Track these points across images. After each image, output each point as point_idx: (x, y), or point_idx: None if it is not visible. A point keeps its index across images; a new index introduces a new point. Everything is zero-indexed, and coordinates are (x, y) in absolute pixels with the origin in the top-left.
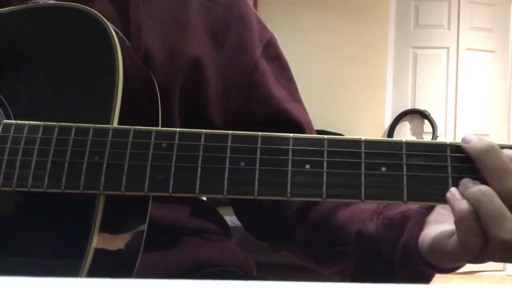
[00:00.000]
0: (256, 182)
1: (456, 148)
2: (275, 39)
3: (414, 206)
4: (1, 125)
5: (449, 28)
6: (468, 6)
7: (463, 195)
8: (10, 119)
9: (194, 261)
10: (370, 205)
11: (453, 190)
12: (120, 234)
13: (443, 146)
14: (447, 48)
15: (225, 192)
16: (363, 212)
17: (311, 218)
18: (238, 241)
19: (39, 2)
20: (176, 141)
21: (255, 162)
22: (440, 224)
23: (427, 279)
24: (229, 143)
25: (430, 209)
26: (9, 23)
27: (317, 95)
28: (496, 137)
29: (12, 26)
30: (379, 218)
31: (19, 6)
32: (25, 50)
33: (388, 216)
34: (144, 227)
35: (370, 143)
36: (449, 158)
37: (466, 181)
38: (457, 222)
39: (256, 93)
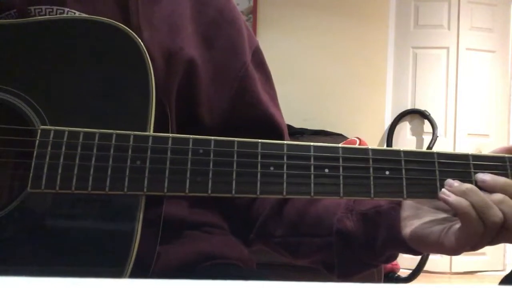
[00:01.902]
0: (285, 184)
1: (441, 155)
2: (259, 47)
3: (383, 201)
4: (39, 131)
5: (449, 28)
6: (468, 6)
7: (454, 193)
8: (46, 124)
9: (197, 254)
10: (340, 200)
11: (445, 191)
12: (143, 232)
13: (431, 154)
14: (447, 48)
15: (258, 192)
16: (335, 207)
17: (287, 215)
18: None
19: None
20: (212, 147)
21: (282, 167)
22: (421, 219)
23: (395, 258)
24: (259, 150)
25: (400, 205)
26: (43, 32)
27: (317, 95)
28: (496, 137)
29: (45, 35)
30: (353, 214)
31: (54, 16)
32: (58, 58)
33: (360, 211)
34: (160, 224)
35: (375, 151)
36: (436, 164)
37: (450, 182)
38: (459, 212)
39: (247, 97)
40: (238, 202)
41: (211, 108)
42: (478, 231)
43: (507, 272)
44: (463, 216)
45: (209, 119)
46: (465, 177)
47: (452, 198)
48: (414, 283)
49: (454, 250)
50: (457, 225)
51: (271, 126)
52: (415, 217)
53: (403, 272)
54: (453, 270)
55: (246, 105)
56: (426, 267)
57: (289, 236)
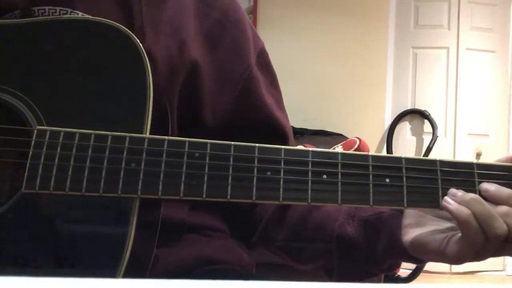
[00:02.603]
0: (281, 189)
1: (444, 163)
2: (265, 48)
3: (384, 208)
4: (35, 131)
5: (449, 28)
6: (468, 6)
7: (457, 202)
8: (42, 125)
9: (196, 258)
10: (342, 207)
11: (447, 199)
12: (140, 233)
13: (434, 162)
14: (447, 48)
15: (254, 198)
16: (337, 212)
17: (289, 219)
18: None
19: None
20: (208, 151)
21: (279, 172)
22: (423, 227)
23: (396, 267)
24: (256, 154)
25: (401, 213)
26: (43, 32)
27: (317, 95)
28: (496, 137)
29: (44, 35)
30: (354, 220)
31: (56, 16)
32: (57, 59)
33: (362, 217)
34: (158, 226)
35: (376, 158)
36: (439, 172)
37: (454, 191)
38: (459, 221)
39: (250, 99)
40: (240, 205)
41: (214, 109)
42: (477, 242)
43: (507, 272)
44: (463, 225)
45: (211, 119)
46: (469, 186)
47: (453, 206)
48: (414, 283)
49: (455, 259)
50: (459, 234)
51: (275, 129)
52: (417, 225)
53: (403, 272)
54: (453, 270)
55: (250, 107)
56: (426, 267)
57: (290, 241)
